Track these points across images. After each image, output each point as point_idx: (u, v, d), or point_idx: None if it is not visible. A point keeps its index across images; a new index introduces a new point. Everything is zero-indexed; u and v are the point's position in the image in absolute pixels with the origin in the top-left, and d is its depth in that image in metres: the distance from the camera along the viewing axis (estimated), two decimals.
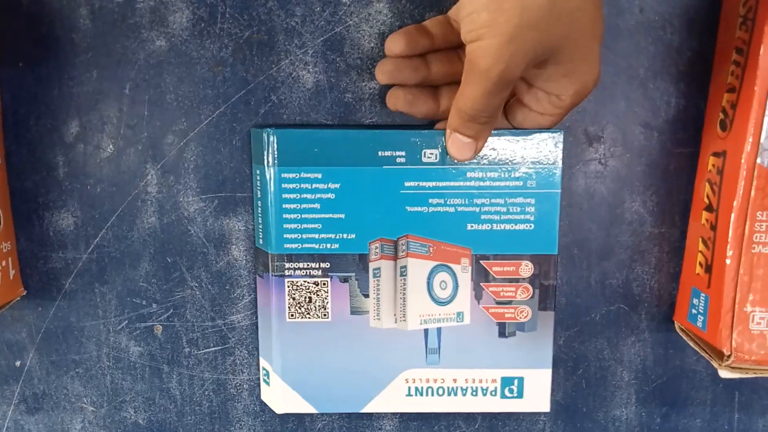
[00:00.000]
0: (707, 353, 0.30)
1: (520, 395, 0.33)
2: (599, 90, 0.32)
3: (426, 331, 0.33)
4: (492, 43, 0.24)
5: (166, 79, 0.31)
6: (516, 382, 0.33)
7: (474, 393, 0.34)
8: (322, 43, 0.31)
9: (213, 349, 0.34)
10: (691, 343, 0.32)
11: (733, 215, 0.28)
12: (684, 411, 0.35)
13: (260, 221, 0.32)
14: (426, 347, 0.33)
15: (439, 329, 0.33)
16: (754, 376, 0.29)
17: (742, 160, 0.27)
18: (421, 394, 0.34)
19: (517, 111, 0.30)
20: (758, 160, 0.27)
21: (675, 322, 0.33)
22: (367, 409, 0.34)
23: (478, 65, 0.25)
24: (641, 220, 0.33)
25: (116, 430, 0.35)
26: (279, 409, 0.33)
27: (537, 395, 0.33)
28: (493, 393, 0.34)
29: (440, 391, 0.34)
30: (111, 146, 0.32)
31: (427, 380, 0.34)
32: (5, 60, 0.30)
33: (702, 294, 0.30)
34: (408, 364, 0.33)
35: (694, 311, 0.31)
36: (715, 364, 0.29)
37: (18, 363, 0.34)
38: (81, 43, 0.31)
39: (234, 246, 0.33)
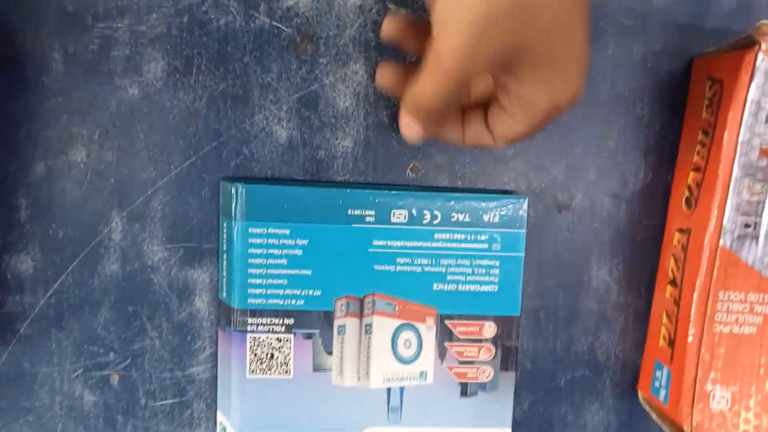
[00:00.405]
0: (668, 427, 0.30)
1: None
2: (570, 159, 0.32)
3: (388, 389, 0.33)
4: (456, 39, 0.23)
5: (137, 127, 0.31)
6: None
7: None
8: (296, 100, 0.31)
9: (170, 401, 0.33)
10: (654, 415, 0.32)
11: (695, 294, 0.28)
12: None
13: (224, 274, 0.31)
14: (388, 405, 0.33)
15: (401, 388, 0.33)
16: None
17: (706, 240, 0.28)
18: None
19: (495, 113, 0.28)
20: (721, 242, 0.27)
21: (639, 391, 0.33)
22: None
23: (439, 59, 0.24)
24: (607, 287, 0.33)
25: None
26: None
27: None
28: None
29: None
30: (76, 191, 0.31)
31: None
32: None
33: (665, 367, 0.30)
34: (369, 422, 0.33)
35: (656, 384, 0.31)
36: None
37: None
38: (52, 86, 0.30)
39: (197, 297, 0.32)
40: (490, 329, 0.32)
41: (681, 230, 0.30)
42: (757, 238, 0.27)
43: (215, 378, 0.33)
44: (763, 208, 0.27)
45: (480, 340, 0.32)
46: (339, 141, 0.31)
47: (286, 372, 0.32)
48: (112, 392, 0.33)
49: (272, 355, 0.31)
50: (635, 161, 0.32)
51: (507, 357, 0.32)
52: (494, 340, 0.32)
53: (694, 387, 0.28)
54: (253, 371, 0.31)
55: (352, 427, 0.33)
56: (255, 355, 0.31)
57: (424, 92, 0.26)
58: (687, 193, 0.29)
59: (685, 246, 0.29)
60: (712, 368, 0.28)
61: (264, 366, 0.31)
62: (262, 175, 0.31)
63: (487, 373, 0.32)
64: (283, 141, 0.31)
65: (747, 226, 0.27)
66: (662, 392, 0.30)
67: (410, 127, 0.28)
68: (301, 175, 0.31)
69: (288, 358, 0.32)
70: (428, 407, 0.33)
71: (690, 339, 0.28)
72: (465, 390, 0.33)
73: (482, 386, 0.33)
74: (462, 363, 0.32)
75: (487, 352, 0.32)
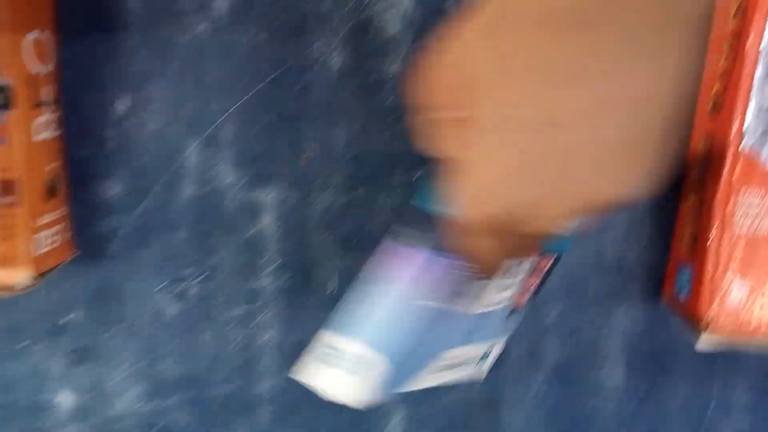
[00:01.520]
0: (689, 324, 0.33)
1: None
2: None
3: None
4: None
5: (207, 61, 0.34)
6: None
7: None
8: (349, 29, 0.34)
9: (243, 309, 0.37)
10: (678, 315, 0.35)
11: (717, 195, 0.31)
12: (669, 378, 0.38)
13: None
14: None
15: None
16: (729, 347, 0.32)
17: (728, 143, 0.30)
18: None
19: None
20: (742, 145, 0.30)
21: (663, 295, 0.37)
22: None
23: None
24: None
25: (153, 382, 0.38)
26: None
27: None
28: None
29: None
30: (155, 122, 0.35)
31: None
32: (66, 43, 0.34)
33: (687, 268, 0.33)
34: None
35: (680, 284, 0.34)
36: (694, 332, 0.33)
37: (66, 319, 0.37)
38: (132, 26, 0.34)
39: (264, 216, 0.36)
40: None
41: (706, 136, 0.32)
42: None
43: (281, 288, 0.37)
44: None
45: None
46: (387, 66, 0.35)
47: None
48: (191, 303, 0.37)
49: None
50: None
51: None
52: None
53: (713, 282, 0.32)
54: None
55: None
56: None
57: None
58: (713, 100, 0.32)
59: (709, 151, 0.32)
60: (730, 265, 0.31)
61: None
62: (320, 103, 0.35)
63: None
64: (339, 67, 0.34)
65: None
66: (684, 290, 0.34)
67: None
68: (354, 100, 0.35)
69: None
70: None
71: (711, 238, 0.31)
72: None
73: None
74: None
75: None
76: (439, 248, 0.26)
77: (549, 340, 0.38)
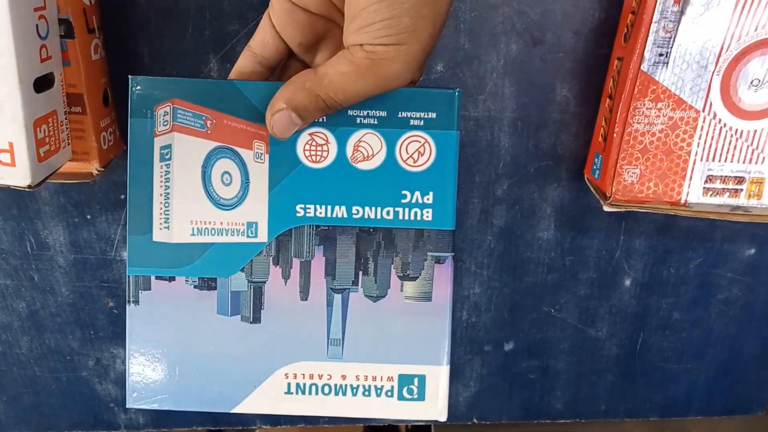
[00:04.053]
0: (600, 196, 0.45)
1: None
2: (543, 5, 0.42)
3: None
4: (411, 50, 0.24)
5: None
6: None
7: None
8: None
9: None
10: (592, 189, 0.46)
11: (621, 103, 0.41)
12: (586, 234, 0.51)
13: None
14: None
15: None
16: (625, 210, 0.44)
17: (632, 65, 0.40)
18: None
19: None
20: (642, 66, 0.39)
21: (585, 174, 0.48)
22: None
23: (388, 67, 0.24)
24: (567, 101, 0.46)
25: None
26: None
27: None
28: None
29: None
30: (183, 41, 0.42)
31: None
32: None
33: (600, 156, 0.44)
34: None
35: (594, 167, 0.45)
36: (602, 202, 0.44)
37: (122, 196, 0.48)
38: None
39: None
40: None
41: (619, 58, 0.41)
42: (667, 63, 0.39)
43: None
44: (672, 42, 0.38)
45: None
46: None
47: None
48: None
49: None
50: (592, 6, 0.42)
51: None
52: None
53: (615, 167, 0.42)
54: None
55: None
56: None
57: (348, 98, 0.25)
58: (625, 30, 0.41)
59: (619, 70, 0.41)
60: (628, 154, 0.42)
61: None
62: None
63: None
64: None
65: (660, 55, 0.39)
66: (597, 172, 0.45)
67: (292, 126, 0.27)
68: None
69: None
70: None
71: (615, 134, 0.42)
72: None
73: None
74: None
75: None
76: None
77: (498, 208, 0.49)
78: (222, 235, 0.29)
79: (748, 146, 0.42)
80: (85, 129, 0.40)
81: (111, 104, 0.43)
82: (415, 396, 0.29)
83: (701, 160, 0.42)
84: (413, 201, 0.29)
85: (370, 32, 0.24)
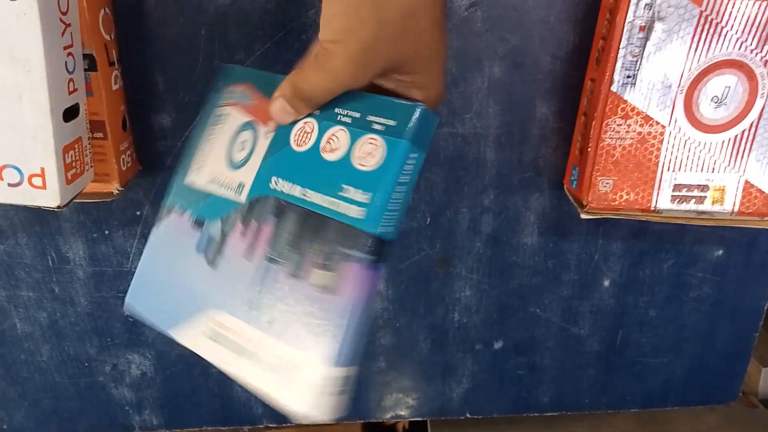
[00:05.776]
0: (577, 204, 0.49)
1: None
2: (524, 32, 0.47)
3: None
4: (349, 49, 0.25)
5: (230, 23, 0.45)
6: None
7: None
8: None
9: None
10: (571, 198, 0.50)
11: (594, 121, 0.45)
12: (566, 239, 0.55)
13: None
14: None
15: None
16: (601, 217, 0.48)
17: (603, 86, 0.44)
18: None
19: None
20: (612, 87, 0.44)
21: (564, 184, 0.52)
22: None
23: (330, 63, 0.26)
24: (547, 118, 0.50)
25: None
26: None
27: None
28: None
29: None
30: (195, 68, 0.46)
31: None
32: (117, 18, 0.44)
33: (577, 167, 0.48)
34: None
35: (572, 178, 0.49)
36: (580, 210, 0.48)
37: (138, 212, 0.51)
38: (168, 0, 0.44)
39: None
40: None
41: (592, 80, 0.46)
42: (635, 84, 0.43)
43: None
44: (639, 65, 0.43)
45: None
46: None
47: None
48: None
49: None
50: (567, 32, 0.47)
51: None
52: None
53: (591, 179, 0.47)
54: None
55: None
56: None
57: (313, 90, 0.28)
58: (597, 54, 0.45)
59: (592, 90, 0.45)
60: (601, 166, 0.46)
61: None
62: None
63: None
64: None
65: (629, 76, 0.43)
66: (575, 183, 0.49)
67: (284, 112, 0.31)
68: None
69: None
70: None
71: (590, 148, 0.46)
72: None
73: None
74: None
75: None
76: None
77: (485, 217, 0.53)
78: (222, 188, 0.35)
79: (710, 157, 0.46)
80: (106, 153, 0.44)
81: (129, 129, 0.47)
82: (291, 382, 0.30)
83: (668, 170, 0.46)
84: (350, 197, 0.30)
85: (323, 30, 0.27)
